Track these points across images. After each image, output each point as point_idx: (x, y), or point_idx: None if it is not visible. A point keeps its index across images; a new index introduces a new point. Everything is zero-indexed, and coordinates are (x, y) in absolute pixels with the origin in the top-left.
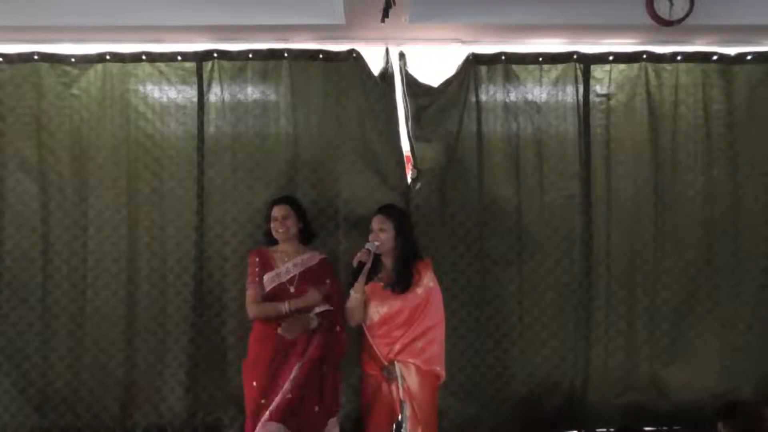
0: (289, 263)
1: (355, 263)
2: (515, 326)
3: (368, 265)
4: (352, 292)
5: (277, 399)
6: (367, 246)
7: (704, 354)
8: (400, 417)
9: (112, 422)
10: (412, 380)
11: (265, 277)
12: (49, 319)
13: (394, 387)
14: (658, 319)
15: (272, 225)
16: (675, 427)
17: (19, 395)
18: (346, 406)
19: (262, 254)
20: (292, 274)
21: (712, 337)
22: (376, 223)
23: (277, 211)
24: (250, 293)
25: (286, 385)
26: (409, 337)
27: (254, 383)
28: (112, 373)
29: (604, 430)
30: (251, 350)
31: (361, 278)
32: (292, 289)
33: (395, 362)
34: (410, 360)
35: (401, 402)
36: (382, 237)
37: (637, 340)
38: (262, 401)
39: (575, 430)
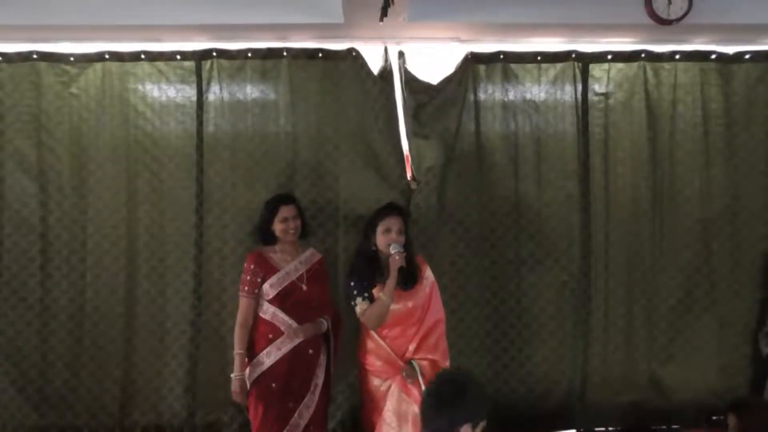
0: (295, 261)
1: (395, 270)
2: (514, 325)
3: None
4: (383, 297)
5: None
6: (397, 249)
7: (702, 352)
8: None
9: (110, 421)
10: (429, 375)
11: (272, 280)
12: (48, 318)
13: (415, 387)
14: (656, 318)
15: (282, 225)
16: (673, 426)
17: (17, 394)
18: (345, 404)
19: (261, 258)
20: (300, 272)
21: (710, 336)
22: (396, 224)
23: (288, 212)
24: (245, 303)
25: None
26: (422, 332)
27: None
28: (111, 372)
29: (603, 429)
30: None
31: (393, 282)
32: (304, 287)
33: (412, 361)
34: (429, 356)
35: None
36: (401, 239)
37: (636, 339)
38: (290, 404)
39: (574, 429)
